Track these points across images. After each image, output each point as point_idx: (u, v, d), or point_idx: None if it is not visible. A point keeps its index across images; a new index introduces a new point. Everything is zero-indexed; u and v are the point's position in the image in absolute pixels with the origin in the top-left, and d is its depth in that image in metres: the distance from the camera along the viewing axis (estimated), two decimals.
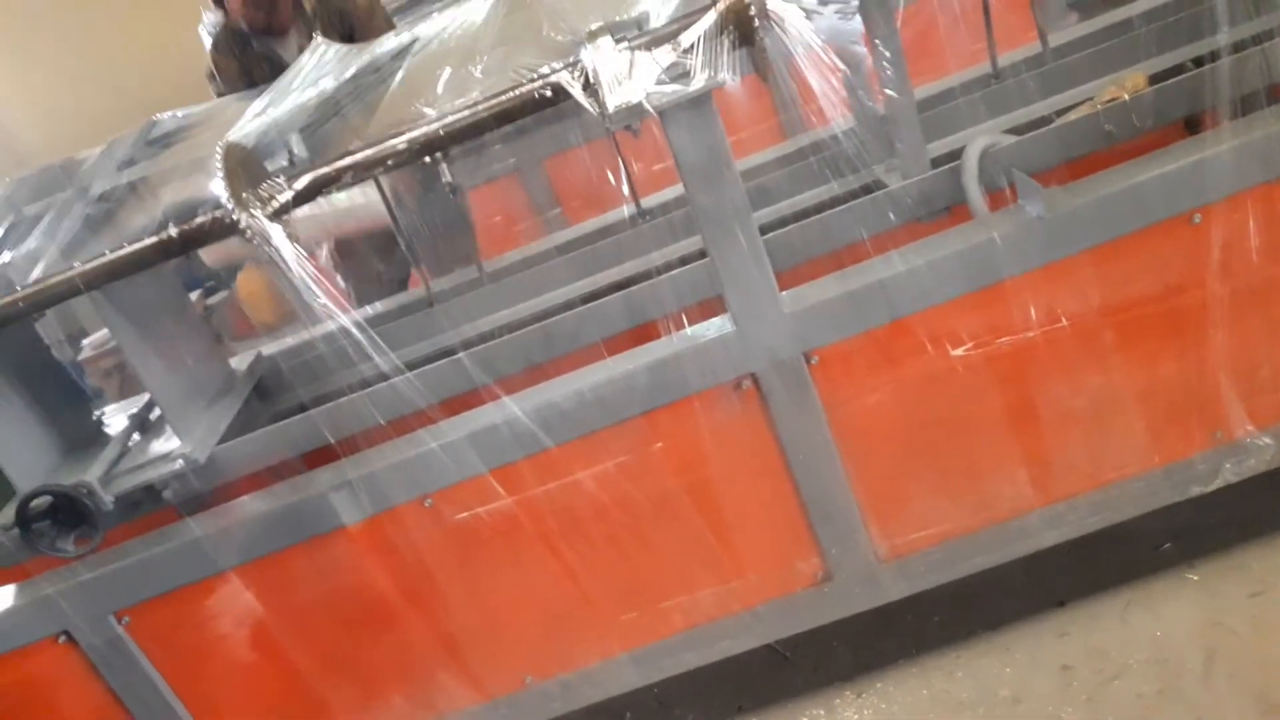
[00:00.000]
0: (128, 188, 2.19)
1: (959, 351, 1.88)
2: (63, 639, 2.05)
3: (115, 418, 2.47)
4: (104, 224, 2.17)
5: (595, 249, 2.54)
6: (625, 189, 2.51)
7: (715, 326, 1.89)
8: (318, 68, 2.29)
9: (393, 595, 2.09)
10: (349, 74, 2.22)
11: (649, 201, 2.64)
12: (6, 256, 2.17)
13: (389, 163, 1.72)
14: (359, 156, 1.70)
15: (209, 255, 2.81)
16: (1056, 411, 1.94)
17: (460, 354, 2.17)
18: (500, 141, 4.02)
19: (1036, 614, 2.20)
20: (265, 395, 2.58)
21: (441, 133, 1.69)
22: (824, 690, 2.26)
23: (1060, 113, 2.28)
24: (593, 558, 2.05)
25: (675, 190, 2.64)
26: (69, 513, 2.09)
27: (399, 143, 1.70)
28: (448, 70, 1.91)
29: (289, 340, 2.84)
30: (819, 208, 2.22)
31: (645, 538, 2.04)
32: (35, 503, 2.07)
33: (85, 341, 5.23)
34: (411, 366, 2.10)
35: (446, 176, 2.54)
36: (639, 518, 2.02)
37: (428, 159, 2.42)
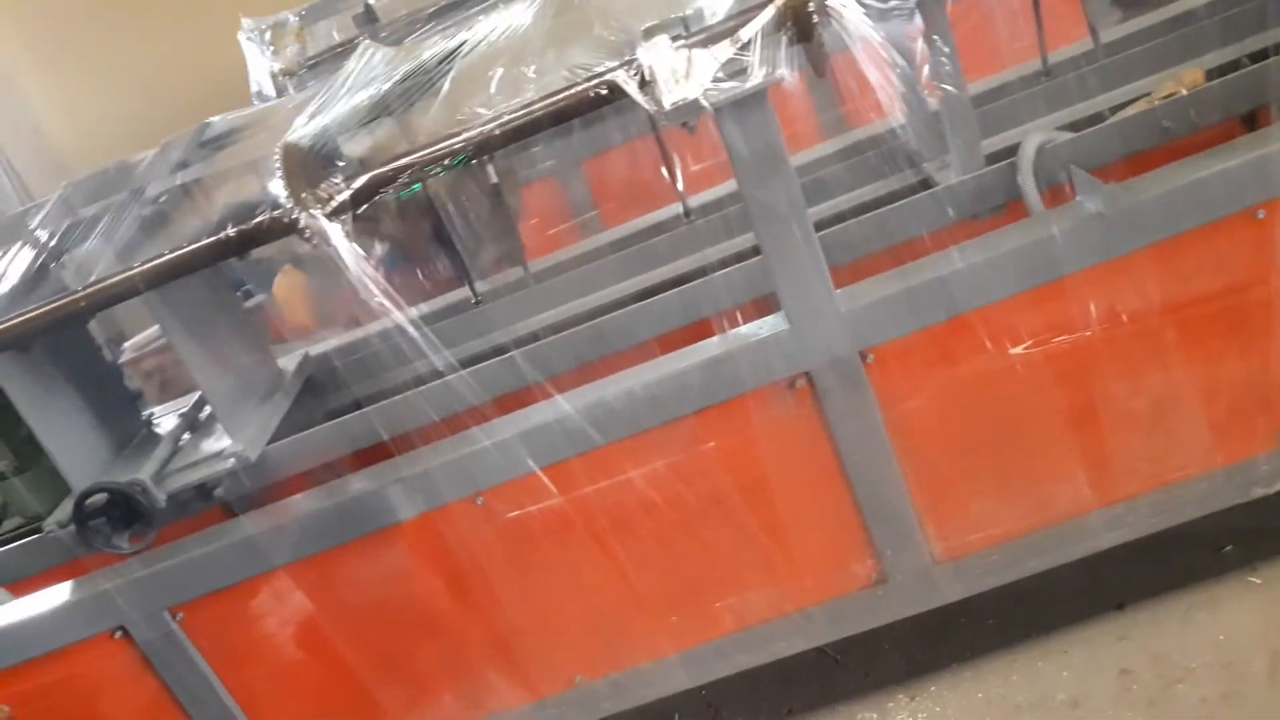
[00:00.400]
0: (181, 190, 2.21)
1: (1017, 350, 1.86)
2: (118, 634, 2.07)
3: (165, 418, 2.50)
4: (158, 226, 2.19)
5: (641, 249, 2.54)
6: (679, 185, 2.50)
7: (769, 325, 1.87)
8: (365, 70, 2.30)
9: (443, 593, 2.10)
10: (397, 76, 2.23)
11: (692, 202, 2.64)
12: (64, 259, 2.20)
13: (445, 162, 1.72)
14: (416, 156, 1.70)
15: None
16: (1116, 411, 1.91)
17: (513, 352, 2.17)
18: (539, 144, 4.04)
19: (1094, 617, 2.16)
20: (312, 395, 2.60)
21: (498, 132, 1.69)
22: (876, 693, 2.23)
23: (1114, 109, 2.25)
24: (644, 557, 2.05)
25: (717, 191, 2.64)
26: (123, 510, 2.11)
27: (456, 142, 1.70)
28: (500, 70, 1.91)
29: (334, 340, 2.86)
30: (870, 206, 2.21)
31: (697, 537, 2.03)
32: (91, 500, 2.10)
33: (126, 345, 5.28)
34: (459, 367, 2.10)
35: (492, 178, 2.55)
36: (691, 517, 2.01)
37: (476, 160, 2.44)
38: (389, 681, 2.18)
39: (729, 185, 2.62)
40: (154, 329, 4.23)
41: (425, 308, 2.76)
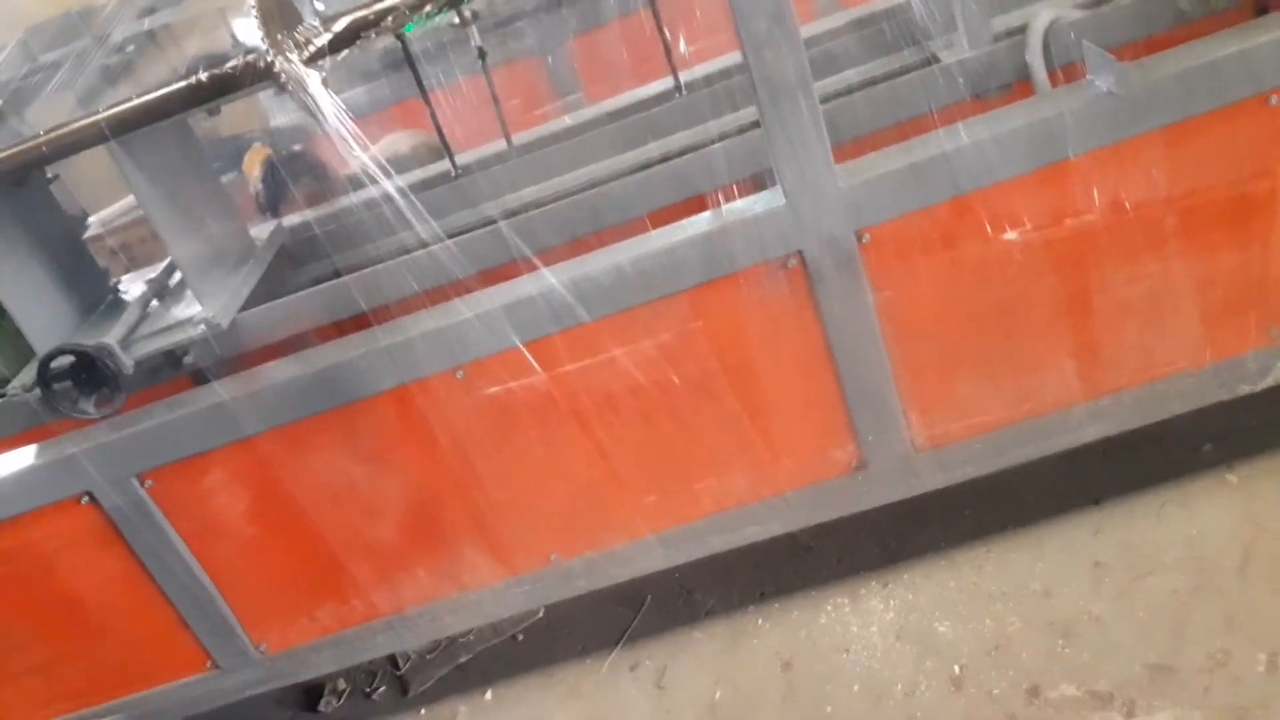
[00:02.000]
0: (148, 36, 2.09)
1: (1015, 234, 1.81)
2: (85, 500, 2.03)
3: (133, 285, 2.41)
4: (122, 75, 2.07)
5: (629, 123, 2.45)
6: (672, 56, 2.39)
7: (764, 200, 1.81)
8: None
9: (419, 467, 2.06)
10: None
11: (683, 78, 2.54)
12: (21, 107, 2.09)
13: (428, 7, 1.62)
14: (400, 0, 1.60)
15: None
16: (1111, 301, 1.88)
17: (499, 222, 2.09)
18: (524, 17, 3.88)
19: (1070, 511, 2.17)
20: (286, 266, 2.51)
21: None
22: (849, 579, 2.25)
23: None
24: (624, 437, 2.02)
25: (708, 67, 2.54)
26: (89, 374, 2.05)
27: None
28: None
29: (310, 212, 2.77)
30: (871, 83, 2.12)
31: (679, 418, 2.00)
32: (56, 362, 2.03)
33: (91, 219, 5.12)
34: (442, 236, 2.03)
35: (475, 40, 2.42)
36: (673, 398, 1.98)
37: (458, 19, 2.32)
38: (361, 554, 2.16)
39: (722, 61, 2.53)
40: (121, 203, 4.09)
41: (401, 180, 2.66)
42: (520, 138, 2.59)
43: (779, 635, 2.19)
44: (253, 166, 4.77)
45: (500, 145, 2.58)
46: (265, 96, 4.40)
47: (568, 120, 2.68)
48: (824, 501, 2.08)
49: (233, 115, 2.50)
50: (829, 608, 2.20)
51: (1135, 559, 2.03)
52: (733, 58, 2.53)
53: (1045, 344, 1.92)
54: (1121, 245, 1.83)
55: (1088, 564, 2.06)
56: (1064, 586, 2.04)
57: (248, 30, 2.01)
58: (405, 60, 2.49)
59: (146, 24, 2.00)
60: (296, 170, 3.12)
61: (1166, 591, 1.96)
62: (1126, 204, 1.79)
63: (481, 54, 2.45)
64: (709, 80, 2.47)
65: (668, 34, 2.59)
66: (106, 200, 4.23)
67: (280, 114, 4.37)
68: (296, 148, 3.69)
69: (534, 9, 3.77)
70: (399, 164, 2.93)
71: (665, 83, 2.58)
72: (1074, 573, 2.05)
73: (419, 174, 2.63)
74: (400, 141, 3.14)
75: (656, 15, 2.42)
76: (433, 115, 2.55)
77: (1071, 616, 1.98)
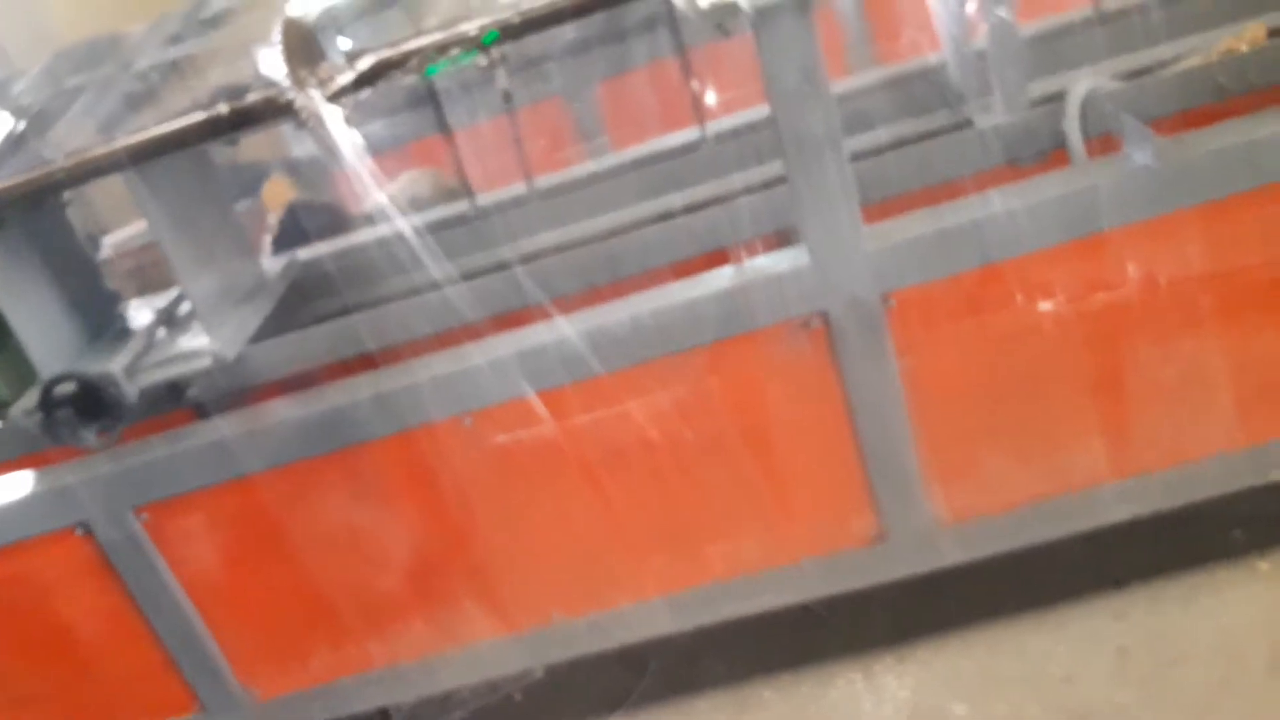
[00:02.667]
0: (171, 66, 2.07)
1: (1046, 306, 1.76)
2: (80, 531, 1.97)
3: (139, 312, 2.38)
4: (144, 102, 2.05)
5: (652, 172, 2.42)
6: (699, 106, 2.37)
7: (788, 258, 1.76)
8: None
9: (421, 516, 2.00)
10: None
11: (708, 129, 2.51)
12: (42, 131, 2.06)
13: (455, 50, 1.59)
14: (427, 40, 1.57)
15: None
16: (1142, 379, 1.82)
17: (516, 268, 2.05)
18: (551, 59, 3.87)
19: (1091, 593, 2.09)
20: (298, 302, 2.48)
21: (517, 20, 1.55)
22: (862, 654, 2.16)
23: (1168, 64, 2.13)
24: (635, 494, 1.95)
25: (734, 120, 2.52)
26: (92, 402, 2.01)
27: (470, 28, 1.57)
28: None
29: (324, 247, 2.74)
30: (901, 144, 2.08)
31: (691, 478, 1.94)
32: (59, 389, 1.99)
33: (106, 240, 5.12)
34: (455, 276, 1.99)
35: (502, 82, 2.40)
36: (687, 456, 1.92)
37: (485, 61, 2.31)
38: (358, 602, 2.09)
39: (748, 114, 2.51)
40: (134, 227, 4.09)
41: (418, 219, 2.63)
42: (541, 182, 2.57)
43: (787, 709, 2.11)
44: (273, 200, 4.78)
45: (520, 189, 2.56)
46: (289, 127, 4.41)
47: (591, 166, 2.66)
48: (841, 572, 2.00)
49: (253, 142, 2.49)
50: (840, 682, 2.12)
51: (1161, 646, 1.94)
52: (760, 111, 2.51)
53: (1074, 420, 1.86)
54: (1155, 323, 1.77)
55: (1111, 650, 1.98)
56: (1085, 672, 1.95)
57: (272, 63, 1.99)
58: (428, 98, 2.49)
59: (172, 53, 1.97)
60: (318, 221, 3.08)
61: (1194, 682, 1.87)
62: (1161, 281, 1.73)
63: (507, 97, 2.43)
64: (735, 133, 2.45)
65: (696, 84, 2.59)
66: (126, 219, 4.23)
67: (301, 144, 4.38)
68: (321, 200, 3.67)
69: (561, 53, 3.76)
70: (418, 204, 2.91)
71: (690, 133, 2.56)
72: (1096, 658, 1.97)
73: (437, 214, 2.60)
74: (420, 181, 3.12)
75: (686, 66, 2.41)
76: (455, 155, 2.54)
77: (1094, 705, 1.89)
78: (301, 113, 1.55)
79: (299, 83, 1.55)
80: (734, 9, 1.47)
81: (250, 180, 4.62)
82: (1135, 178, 1.67)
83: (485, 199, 2.54)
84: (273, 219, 3.64)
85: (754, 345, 1.81)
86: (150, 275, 4.06)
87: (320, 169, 4.39)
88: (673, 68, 3.75)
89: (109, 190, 2.24)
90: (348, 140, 1.56)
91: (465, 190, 2.51)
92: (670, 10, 2.54)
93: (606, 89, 4.15)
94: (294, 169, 4.37)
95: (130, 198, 2.31)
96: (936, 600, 2.17)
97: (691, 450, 1.91)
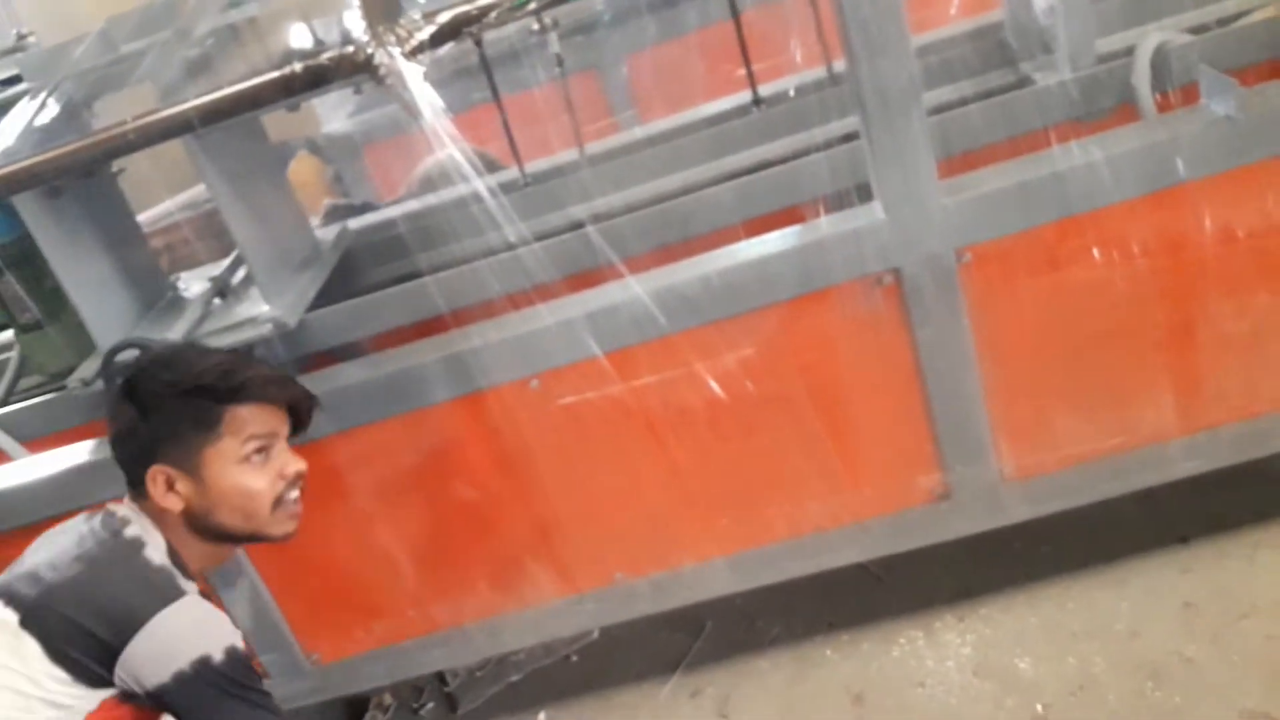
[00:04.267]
0: (229, 31, 2.06)
1: (1120, 260, 1.75)
2: None
3: (192, 283, 2.38)
4: (202, 69, 2.04)
5: (701, 138, 2.41)
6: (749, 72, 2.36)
7: (862, 215, 1.76)
8: None
9: (486, 478, 2.00)
10: None
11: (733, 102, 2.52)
12: (102, 96, 2.06)
13: (532, 5, 1.58)
14: None
15: None
16: (1216, 333, 1.81)
17: (587, 227, 2.04)
18: (581, 32, 3.86)
19: (1156, 549, 2.10)
20: (349, 271, 2.47)
21: None
22: (921, 612, 2.17)
23: (1224, 21, 2.12)
24: (700, 454, 1.96)
25: (778, 85, 2.51)
26: None
27: None
28: None
29: (372, 217, 2.74)
30: (962, 103, 2.07)
31: (757, 438, 1.94)
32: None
33: (140, 217, 5.10)
34: (529, 238, 1.98)
35: (554, 47, 2.39)
36: (754, 416, 1.92)
37: (537, 25, 2.29)
38: (421, 564, 2.09)
39: (792, 79, 2.50)
40: (163, 205, 4.07)
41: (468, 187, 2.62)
42: (591, 148, 2.56)
43: (849, 667, 2.11)
44: (299, 175, 4.76)
45: (566, 157, 2.55)
46: (320, 103, 4.38)
47: (638, 132, 2.65)
48: (904, 531, 2.01)
49: (279, 121, 2.47)
50: (901, 640, 2.13)
51: (1228, 601, 1.95)
52: (798, 78, 2.51)
53: (1144, 375, 1.86)
54: (1231, 276, 1.77)
55: (1177, 605, 1.98)
56: (1152, 627, 1.96)
57: (327, 28, 1.98)
58: (474, 68, 2.47)
59: (233, 16, 1.95)
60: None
61: (1262, 636, 1.88)
62: (1239, 233, 1.73)
63: (559, 61, 2.43)
64: (774, 100, 2.44)
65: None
66: (149, 201, 4.21)
67: (334, 121, 4.36)
68: (357, 202, 3.63)
69: (593, 23, 3.75)
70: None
71: (738, 98, 2.55)
72: (1162, 613, 1.98)
73: (488, 181, 2.58)
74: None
75: (739, 27, 2.39)
76: (504, 122, 2.53)
77: (1161, 658, 1.90)
78: (380, 69, 1.54)
79: (377, 39, 1.54)
80: None
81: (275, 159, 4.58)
82: (1216, 128, 1.66)
83: (536, 166, 2.53)
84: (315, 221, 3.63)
85: (825, 303, 1.81)
86: (179, 254, 4.05)
87: (349, 145, 4.38)
88: (697, 39, 3.74)
89: (129, 172, 2.23)
90: (427, 97, 1.55)
91: (515, 157, 2.50)
92: None
93: (633, 63, 4.13)
94: (322, 147, 4.35)
95: (154, 178, 2.30)
96: (996, 558, 2.18)
97: (758, 410, 1.91)
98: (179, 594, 1.39)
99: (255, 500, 1.48)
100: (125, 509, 1.50)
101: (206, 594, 1.49)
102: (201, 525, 1.49)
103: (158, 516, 1.49)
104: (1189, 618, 1.95)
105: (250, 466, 1.48)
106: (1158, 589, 2.02)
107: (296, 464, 1.53)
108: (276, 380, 1.53)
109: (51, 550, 1.45)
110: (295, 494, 1.54)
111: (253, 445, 1.48)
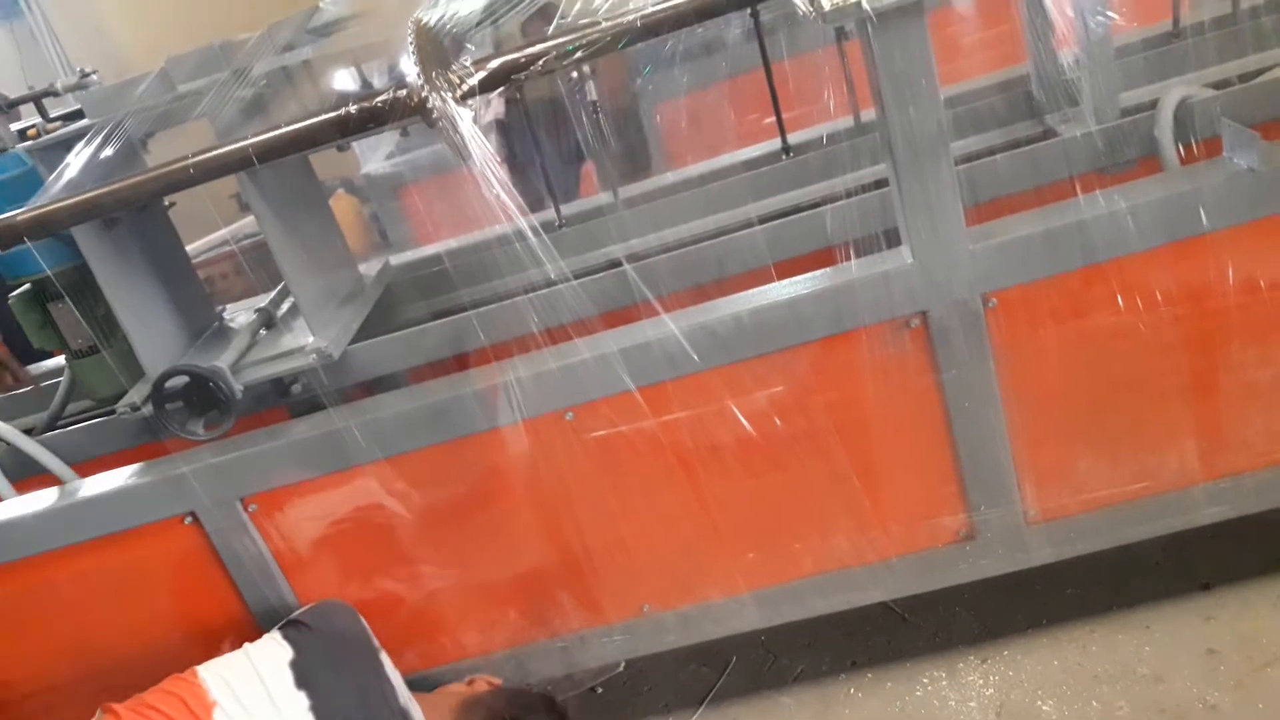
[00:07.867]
0: (283, 73, 2.16)
1: (1144, 307, 1.79)
2: (189, 520, 2.03)
3: (238, 314, 2.46)
4: (255, 110, 2.14)
5: (730, 184, 2.48)
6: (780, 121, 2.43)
7: (891, 259, 1.81)
8: None
9: (518, 508, 2.05)
10: None
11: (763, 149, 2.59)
12: (160, 133, 2.15)
13: (579, 54, 1.65)
14: (551, 44, 1.63)
15: None
16: (1239, 381, 1.85)
17: (625, 266, 2.11)
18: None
19: (1178, 595, 2.11)
20: (390, 305, 2.55)
21: (639, 24, 1.61)
22: (945, 653, 2.19)
23: (1245, 77, 2.17)
24: (729, 490, 2.00)
25: (800, 136, 2.58)
26: (200, 396, 2.08)
27: (594, 32, 1.63)
28: None
29: (410, 254, 2.82)
30: (989, 153, 2.13)
31: (786, 475, 1.98)
32: (170, 383, 2.06)
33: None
34: (569, 276, 2.04)
35: (591, 95, 2.48)
36: (782, 453, 1.96)
37: (575, 74, 2.38)
38: (453, 592, 2.14)
39: (821, 129, 2.57)
40: (205, 239, 4.19)
41: (502, 227, 2.70)
42: (623, 192, 2.63)
43: (873, 706, 2.13)
44: (337, 214, 4.84)
45: (599, 200, 2.62)
46: (358, 145, 4.50)
47: (670, 177, 2.72)
48: (929, 570, 2.04)
49: (317, 161, 2.56)
50: (925, 680, 2.14)
51: (1252, 649, 1.96)
52: (822, 128, 2.58)
53: (1167, 421, 1.89)
54: (1253, 325, 1.80)
55: (1200, 651, 1.99)
56: (1175, 672, 1.97)
57: (370, 72, 2.07)
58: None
59: (287, 60, 2.05)
60: None
61: None
62: (1261, 283, 1.77)
63: (595, 108, 2.51)
64: (802, 148, 2.51)
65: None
66: (188, 237, 4.32)
67: (371, 162, 4.48)
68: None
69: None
70: None
71: (766, 146, 2.62)
72: (1186, 659, 1.99)
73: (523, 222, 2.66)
74: None
75: (769, 76, 2.47)
76: (541, 165, 2.61)
77: (1185, 704, 1.91)
78: (433, 113, 1.61)
79: (430, 84, 1.61)
80: (857, 9, 1.52)
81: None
82: (1238, 180, 1.71)
83: (567, 209, 2.61)
84: None
85: (853, 344, 1.86)
86: (219, 286, 4.15)
87: (387, 186, 4.49)
88: (720, 92, 3.83)
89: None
90: (476, 141, 1.62)
91: (551, 198, 2.58)
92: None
93: (662, 110, 4.21)
94: (360, 188, 4.48)
95: (187, 216, 2.38)
96: (1020, 600, 2.20)
97: (787, 447, 1.95)
98: None
99: None
100: None
101: None
102: None
103: None
104: (1213, 664, 1.96)
105: None
106: (1181, 635, 2.03)
107: None
108: None
109: None
110: None
111: None
